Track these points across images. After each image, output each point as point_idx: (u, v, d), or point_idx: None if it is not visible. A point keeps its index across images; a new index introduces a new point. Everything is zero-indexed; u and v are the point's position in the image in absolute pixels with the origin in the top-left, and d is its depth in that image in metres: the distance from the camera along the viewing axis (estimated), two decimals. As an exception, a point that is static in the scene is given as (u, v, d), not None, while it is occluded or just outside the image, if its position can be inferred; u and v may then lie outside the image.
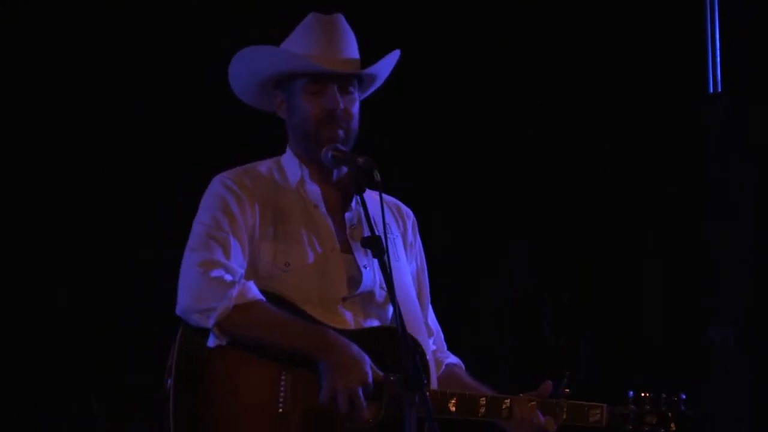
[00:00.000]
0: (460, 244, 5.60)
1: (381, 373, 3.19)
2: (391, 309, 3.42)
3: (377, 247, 3.08)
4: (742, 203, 5.40)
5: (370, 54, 3.49)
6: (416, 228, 3.61)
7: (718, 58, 5.48)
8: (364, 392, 3.13)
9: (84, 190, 5.04)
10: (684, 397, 3.48)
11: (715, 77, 5.48)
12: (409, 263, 3.55)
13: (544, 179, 5.63)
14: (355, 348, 3.17)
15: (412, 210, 3.65)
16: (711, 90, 5.48)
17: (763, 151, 5.38)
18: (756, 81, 5.36)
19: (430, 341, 3.51)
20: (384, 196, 3.38)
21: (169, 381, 3.17)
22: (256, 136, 3.98)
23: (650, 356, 5.37)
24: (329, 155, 3.32)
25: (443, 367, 3.51)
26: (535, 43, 5.57)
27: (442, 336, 3.59)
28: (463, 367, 3.56)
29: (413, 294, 3.50)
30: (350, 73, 3.39)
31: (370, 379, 3.14)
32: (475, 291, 5.68)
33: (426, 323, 3.53)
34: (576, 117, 5.57)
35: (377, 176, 3.15)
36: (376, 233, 3.16)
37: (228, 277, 3.21)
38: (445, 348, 3.59)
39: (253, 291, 3.21)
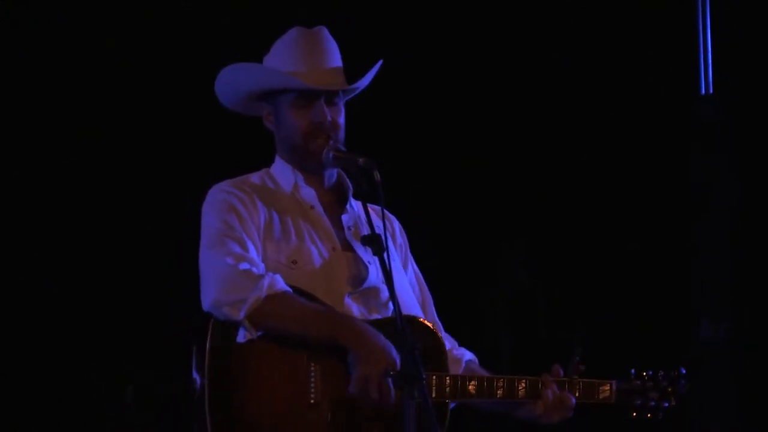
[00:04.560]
0: (454, 244, 5.63)
1: None
2: (391, 306, 3.45)
3: (378, 244, 3.15)
4: (731, 203, 5.45)
5: (350, 55, 3.58)
6: (404, 233, 3.69)
7: (710, 60, 5.53)
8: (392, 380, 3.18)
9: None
10: (684, 371, 3.60)
11: (706, 79, 5.52)
12: (402, 264, 3.63)
13: (536, 179, 5.66)
14: (381, 337, 3.22)
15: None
16: (702, 91, 5.53)
17: (753, 152, 5.44)
18: (747, 83, 5.42)
19: (444, 335, 3.57)
20: (369, 204, 3.55)
21: (198, 380, 3.21)
22: (246, 142, 4.04)
23: (642, 352, 5.41)
24: (330, 155, 3.39)
25: (463, 364, 3.59)
26: (526, 44, 5.59)
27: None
28: (477, 361, 3.64)
29: (411, 293, 3.58)
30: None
31: (399, 367, 3.16)
32: (469, 291, 5.71)
33: (435, 321, 3.62)
34: (568, 117, 5.61)
35: (377, 176, 3.22)
36: (377, 233, 3.24)
37: (255, 270, 3.26)
38: (458, 344, 3.66)
39: (282, 282, 3.26)
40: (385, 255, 3.14)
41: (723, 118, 5.44)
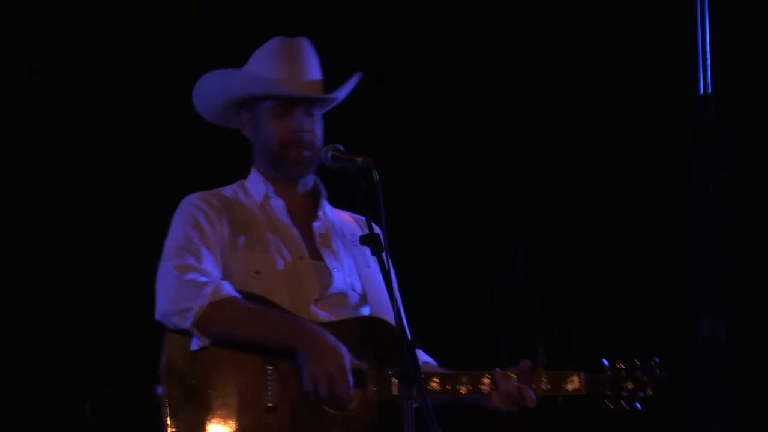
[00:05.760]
0: (452, 243, 5.63)
1: (358, 362, 3.30)
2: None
3: (375, 244, 3.18)
4: (730, 202, 5.46)
5: (329, 69, 3.61)
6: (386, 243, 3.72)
7: (708, 60, 5.53)
8: (342, 378, 3.24)
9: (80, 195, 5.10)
10: (657, 360, 3.61)
11: (705, 78, 5.52)
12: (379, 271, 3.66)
13: (535, 179, 5.66)
14: (330, 336, 3.28)
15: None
16: (701, 91, 5.52)
17: (751, 151, 5.44)
18: (746, 82, 5.41)
19: None
20: (350, 213, 3.68)
21: (159, 388, 3.27)
22: (226, 154, 4.05)
23: (642, 352, 5.40)
24: (329, 155, 3.40)
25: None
26: (524, 42, 5.59)
27: None
28: (435, 363, 3.66)
29: (387, 298, 3.58)
30: (315, 98, 3.53)
31: (348, 365, 3.25)
32: (468, 291, 5.71)
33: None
34: (567, 117, 5.60)
35: (376, 176, 3.23)
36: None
37: (202, 279, 3.32)
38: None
39: (227, 288, 3.32)
40: (384, 254, 3.17)
41: (721, 117, 5.44)
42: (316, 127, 3.54)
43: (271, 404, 3.27)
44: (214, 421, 3.25)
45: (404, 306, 3.50)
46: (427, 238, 5.45)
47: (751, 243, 5.43)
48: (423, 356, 3.64)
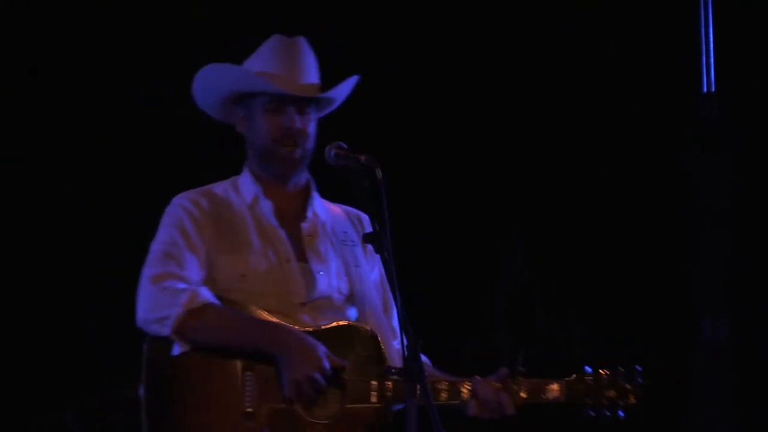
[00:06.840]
0: (453, 243, 5.63)
1: (338, 360, 3.31)
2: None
3: (378, 242, 3.17)
4: (732, 201, 5.46)
5: (330, 72, 3.61)
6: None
7: (712, 58, 5.53)
8: (324, 377, 3.26)
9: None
10: (639, 368, 3.56)
11: (708, 77, 5.52)
12: (371, 270, 3.66)
13: (536, 179, 5.66)
14: (307, 338, 3.30)
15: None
16: (704, 89, 5.52)
17: (754, 150, 5.45)
18: (749, 81, 5.42)
19: (395, 343, 3.57)
20: (345, 207, 3.66)
21: (141, 392, 3.30)
22: (219, 152, 4.05)
23: (642, 352, 5.41)
24: (332, 153, 3.38)
25: None
26: (524, 42, 5.59)
27: None
28: (430, 363, 3.61)
29: (375, 298, 3.60)
30: (307, 97, 3.53)
31: (327, 365, 3.27)
32: (468, 291, 5.71)
33: (391, 326, 3.61)
34: (570, 116, 5.60)
35: (379, 174, 3.22)
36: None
37: (180, 285, 3.34)
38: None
39: (204, 295, 3.33)
40: (386, 253, 3.15)
41: (724, 116, 5.44)
42: (308, 127, 3.53)
43: (249, 410, 3.29)
44: (190, 424, 3.28)
45: (405, 306, 3.49)
46: (428, 237, 5.45)
47: (752, 242, 5.43)
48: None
